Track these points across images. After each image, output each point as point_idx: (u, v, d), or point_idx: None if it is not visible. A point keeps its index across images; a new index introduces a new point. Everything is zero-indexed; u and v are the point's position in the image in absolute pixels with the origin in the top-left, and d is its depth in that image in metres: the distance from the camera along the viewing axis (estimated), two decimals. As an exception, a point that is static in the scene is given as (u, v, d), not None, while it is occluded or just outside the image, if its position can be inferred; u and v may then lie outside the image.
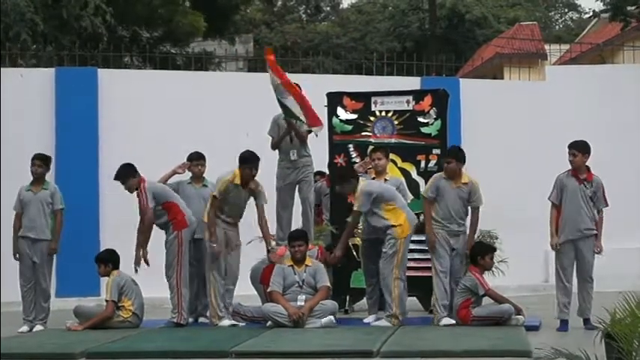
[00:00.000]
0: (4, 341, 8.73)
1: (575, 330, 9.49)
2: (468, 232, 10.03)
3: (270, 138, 10.95)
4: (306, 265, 9.86)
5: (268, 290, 9.88)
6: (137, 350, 8.29)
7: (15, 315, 10.77)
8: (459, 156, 10.03)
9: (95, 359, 8.19)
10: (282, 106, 10.59)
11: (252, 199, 10.17)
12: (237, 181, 10.02)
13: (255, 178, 10.08)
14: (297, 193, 11.06)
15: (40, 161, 10.55)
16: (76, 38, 18.61)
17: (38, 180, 10.52)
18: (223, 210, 10.07)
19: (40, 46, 18.68)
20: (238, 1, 28.26)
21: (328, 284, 9.92)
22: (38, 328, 10.32)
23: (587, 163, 9.76)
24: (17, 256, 10.46)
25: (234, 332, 9.45)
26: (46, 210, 10.44)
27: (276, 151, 10.99)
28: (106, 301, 10.10)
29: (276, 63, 10.80)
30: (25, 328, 10.32)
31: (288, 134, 10.84)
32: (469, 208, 10.00)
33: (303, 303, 9.64)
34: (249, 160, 9.99)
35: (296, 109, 10.57)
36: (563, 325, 9.60)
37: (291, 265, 9.86)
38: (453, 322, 9.69)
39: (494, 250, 10.19)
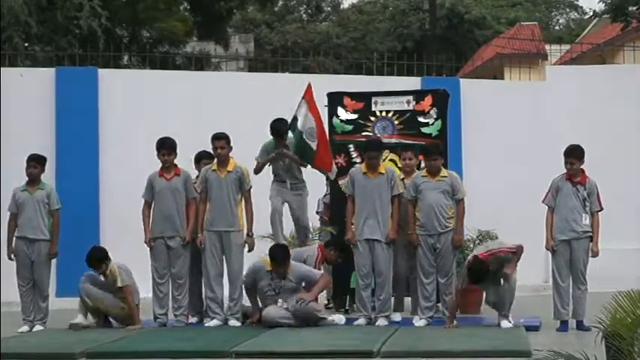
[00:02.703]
0: (4, 341, 8.73)
1: (575, 330, 9.49)
2: (455, 228, 10.00)
3: (256, 162, 10.96)
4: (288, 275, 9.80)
5: (244, 285, 9.95)
6: (137, 350, 8.29)
7: (15, 315, 10.76)
8: (442, 152, 10.25)
9: (95, 359, 8.20)
10: (302, 144, 10.77)
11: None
12: (215, 166, 10.17)
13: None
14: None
15: (36, 162, 10.52)
16: (72, 40, 18.62)
17: (34, 180, 10.50)
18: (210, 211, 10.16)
19: (34, 48, 18.69)
20: (233, 5, 28.27)
21: (322, 272, 9.96)
22: (38, 328, 10.31)
23: (584, 164, 9.79)
24: (12, 256, 10.46)
25: (234, 332, 9.46)
26: (42, 210, 10.42)
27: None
28: (120, 287, 10.08)
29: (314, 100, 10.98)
30: (25, 328, 10.30)
31: (277, 161, 10.94)
32: (452, 202, 9.97)
33: (285, 306, 9.64)
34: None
35: (310, 154, 10.80)
36: (563, 326, 9.61)
37: (270, 271, 9.78)
38: (424, 323, 9.85)
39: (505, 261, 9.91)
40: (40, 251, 10.38)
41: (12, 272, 10.56)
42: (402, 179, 10.20)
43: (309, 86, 11.11)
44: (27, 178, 10.50)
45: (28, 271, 10.39)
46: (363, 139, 11.15)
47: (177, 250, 10.20)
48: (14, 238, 10.43)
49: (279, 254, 9.76)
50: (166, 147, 10.23)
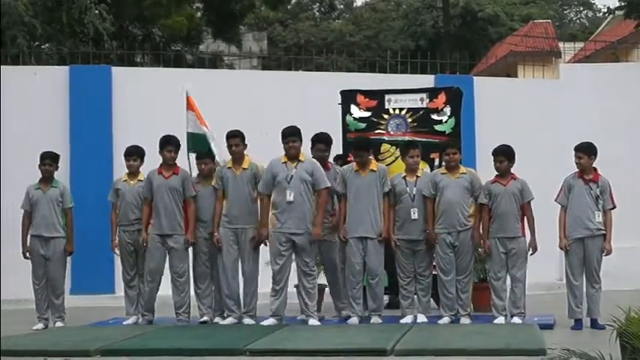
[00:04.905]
0: (19, 339, 8.77)
1: (590, 328, 9.47)
2: (473, 228, 9.94)
3: None
4: (300, 161, 9.69)
5: (259, 191, 9.85)
6: (151, 348, 8.31)
7: (29, 312, 10.78)
8: (460, 148, 10.21)
9: (109, 356, 8.20)
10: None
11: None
12: (230, 164, 10.11)
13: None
14: None
15: (51, 160, 10.57)
16: (79, 41, 18.64)
17: (47, 179, 10.54)
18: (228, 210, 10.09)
19: (42, 47, 18.69)
20: (245, 6, 28.33)
21: (327, 185, 9.83)
22: (58, 324, 10.37)
23: (597, 162, 9.76)
24: (27, 254, 10.49)
25: (248, 330, 9.47)
26: (56, 208, 10.46)
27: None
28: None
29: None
30: (39, 326, 10.35)
31: None
32: (471, 200, 9.95)
33: (291, 198, 9.60)
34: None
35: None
36: (578, 324, 9.59)
37: (285, 162, 9.73)
38: (448, 320, 9.84)
39: None
40: (55, 249, 10.42)
41: (24, 269, 10.60)
42: (404, 177, 10.14)
43: (188, 97, 11.18)
44: (40, 176, 10.54)
45: (42, 269, 10.43)
46: (376, 137, 11.15)
47: (175, 249, 10.18)
48: (28, 236, 10.48)
49: (290, 128, 9.86)
50: (172, 144, 10.28)
